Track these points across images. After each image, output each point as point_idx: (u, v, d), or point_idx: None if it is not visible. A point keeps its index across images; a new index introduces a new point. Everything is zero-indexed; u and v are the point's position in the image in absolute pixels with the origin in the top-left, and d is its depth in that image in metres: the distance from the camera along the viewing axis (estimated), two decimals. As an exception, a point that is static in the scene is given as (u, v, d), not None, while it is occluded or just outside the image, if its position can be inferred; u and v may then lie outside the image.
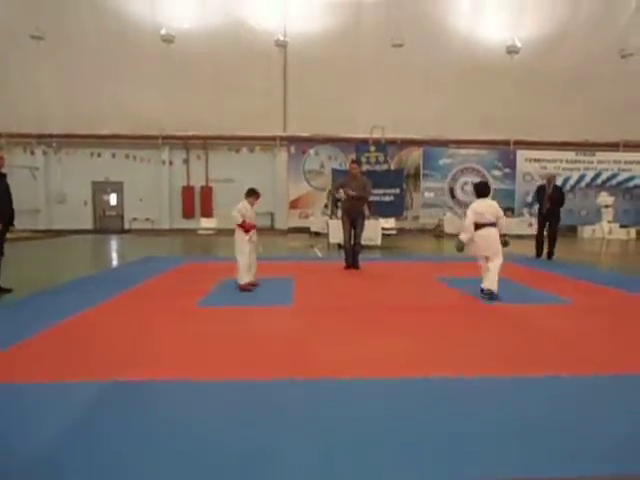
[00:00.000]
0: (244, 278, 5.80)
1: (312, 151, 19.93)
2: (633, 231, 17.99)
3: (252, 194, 6.05)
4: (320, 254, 11.10)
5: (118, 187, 20.38)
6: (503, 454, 2.01)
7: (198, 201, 20.35)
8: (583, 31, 17.54)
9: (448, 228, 17.77)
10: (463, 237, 5.29)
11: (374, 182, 15.32)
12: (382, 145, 17.70)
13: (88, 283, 6.43)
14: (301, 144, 19.90)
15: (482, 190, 5.43)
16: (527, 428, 2.24)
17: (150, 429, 2.23)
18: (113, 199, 20.62)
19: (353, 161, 8.77)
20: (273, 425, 2.27)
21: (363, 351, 3.42)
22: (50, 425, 2.25)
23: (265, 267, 8.19)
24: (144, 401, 2.57)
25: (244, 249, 5.81)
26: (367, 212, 8.37)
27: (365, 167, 17.10)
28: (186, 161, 20.22)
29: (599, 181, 19.44)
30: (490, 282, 5.21)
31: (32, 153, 19.35)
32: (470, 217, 5.24)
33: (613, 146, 20.46)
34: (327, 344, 3.62)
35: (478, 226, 5.21)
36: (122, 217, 20.52)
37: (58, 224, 19.45)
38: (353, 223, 7.72)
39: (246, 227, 5.82)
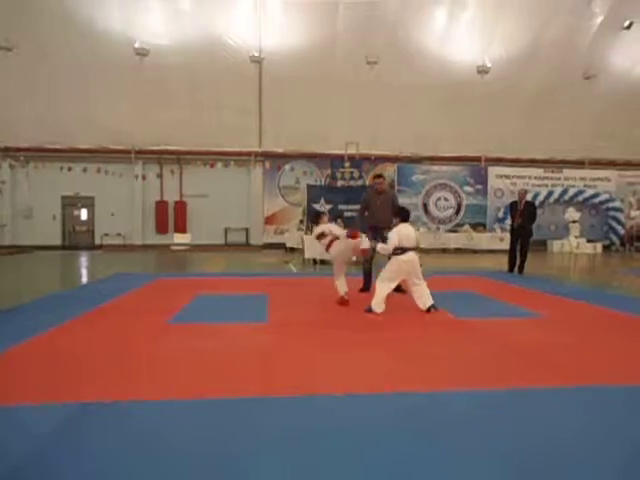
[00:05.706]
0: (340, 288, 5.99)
1: (287, 167, 19.96)
2: (599, 246, 18.57)
3: (318, 218, 6.16)
4: (295, 269, 11.07)
5: (89, 202, 19.93)
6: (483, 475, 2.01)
7: (172, 216, 20.06)
8: (549, 53, 18.23)
9: (422, 243, 17.96)
10: (380, 248, 5.43)
11: (349, 197, 15.71)
12: (357, 161, 17.90)
13: (55, 301, 6.22)
14: (276, 160, 19.92)
15: (407, 215, 5.59)
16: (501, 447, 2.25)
17: (120, 450, 2.14)
18: (84, 214, 20.14)
19: (377, 176, 7.38)
20: (245, 443, 2.22)
21: (336, 367, 3.40)
22: (13, 451, 2.13)
23: (240, 283, 8.15)
24: (113, 422, 2.47)
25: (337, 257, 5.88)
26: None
27: (340, 183, 17.27)
28: (160, 176, 19.94)
29: (566, 197, 20.04)
30: (429, 298, 5.43)
31: (-2, 167, 18.80)
32: (395, 239, 5.27)
33: (579, 164, 21.19)
34: (301, 360, 3.58)
35: (403, 250, 5.27)
36: (93, 232, 20.03)
37: (24, 240, 18.82)
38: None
39: (351, 235, 5.60)
